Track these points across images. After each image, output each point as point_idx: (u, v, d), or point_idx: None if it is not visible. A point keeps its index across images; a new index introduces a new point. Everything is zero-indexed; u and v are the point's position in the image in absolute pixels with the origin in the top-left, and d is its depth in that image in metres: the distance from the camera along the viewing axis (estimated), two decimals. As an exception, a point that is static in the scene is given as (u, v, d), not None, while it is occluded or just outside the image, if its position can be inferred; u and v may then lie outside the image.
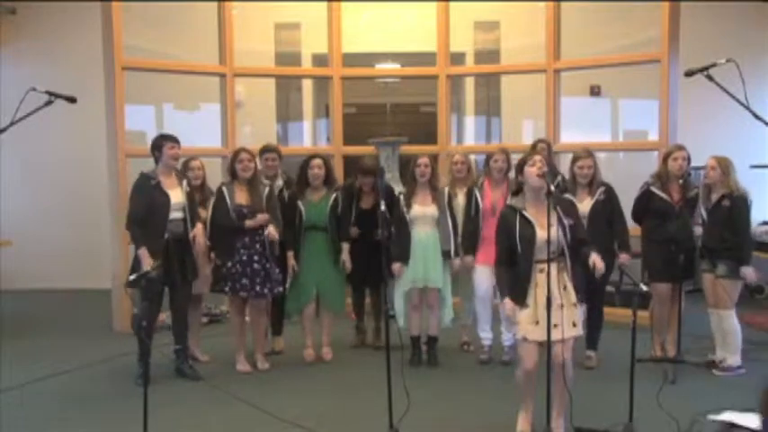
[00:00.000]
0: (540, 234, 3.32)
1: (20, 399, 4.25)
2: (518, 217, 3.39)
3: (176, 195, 4.45)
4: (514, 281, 3.40)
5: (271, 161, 5.07)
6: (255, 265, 4.57)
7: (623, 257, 4.60)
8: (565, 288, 3.36)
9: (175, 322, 4.61)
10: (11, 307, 6.79)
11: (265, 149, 5.15)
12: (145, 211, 4.36)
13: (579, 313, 3.46)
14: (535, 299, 3.34)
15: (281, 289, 4.72)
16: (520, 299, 3.38)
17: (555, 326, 3.29)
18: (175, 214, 4.43)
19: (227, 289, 4.59)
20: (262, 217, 4.57)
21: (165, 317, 5.98)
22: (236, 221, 4.54)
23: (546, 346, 3.35)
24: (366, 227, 5.00)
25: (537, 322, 3.33)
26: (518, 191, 3.55)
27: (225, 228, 4.57)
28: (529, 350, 3.41)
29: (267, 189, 4.73)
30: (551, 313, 3.25)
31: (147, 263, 4.23)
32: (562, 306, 3.31)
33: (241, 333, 4.77)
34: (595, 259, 3.32)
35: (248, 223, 4.54)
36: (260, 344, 4.84)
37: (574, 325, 3.38)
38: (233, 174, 4.67)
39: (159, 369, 4.56)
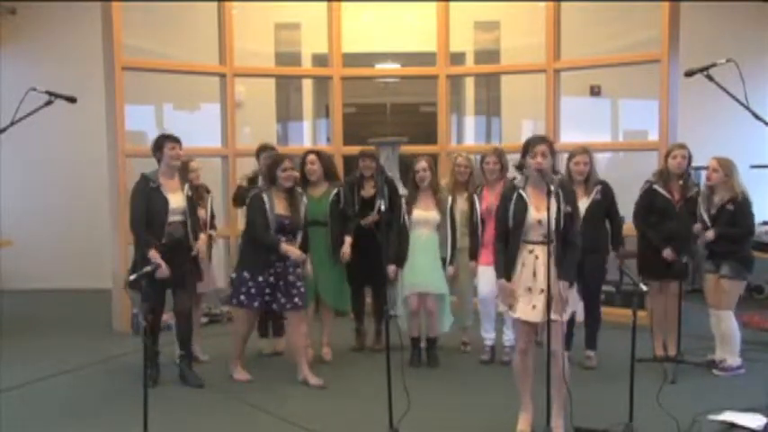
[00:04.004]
0: (533, 214, 3.36)
1: (20, 399, 4.25)
2: (515, 195, 3.43)
3: (176, 200, 4.36)
4: (509, 261, 3.43)
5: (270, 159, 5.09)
6: (290, 277, 4.39)
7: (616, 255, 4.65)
8: (551, 273, 3.32)
9: (177, 327, 4.53)
10: (11, 307, 6.79)
11: (265, 148, 5.18)
12: (144, 214, 4.29)
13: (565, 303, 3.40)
14: (519, 277, 3.39)
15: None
16: (506, 274, 3.42)
17: (533, 307, 3.34)
18: (175, 217, 4.35)
19: (256, 304, 4.36)
20: (298, 255, 4.34)
21: (167, 318, 6.01)
22: (275, 242, 4.28)
23: (539, 328, 3.43)
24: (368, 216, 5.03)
25: (517, 299, 3.39)
26: (520, 168, 3.58)
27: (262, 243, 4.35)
28: (522, 330, 3.48)
29: (303, 198, 4.56)
30: (532, 297, 3.34)
31: (161, 264, 4.15)
32: (542, 291, 3.30)
33: (243, 342, 4.59)
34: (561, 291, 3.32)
35: (283, 248, 4.27)
36: (305, 355, 4.55)
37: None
38: (272, 180, 4.43)
39: (159, 369, 4.55)
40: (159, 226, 4.29)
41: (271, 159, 4.59)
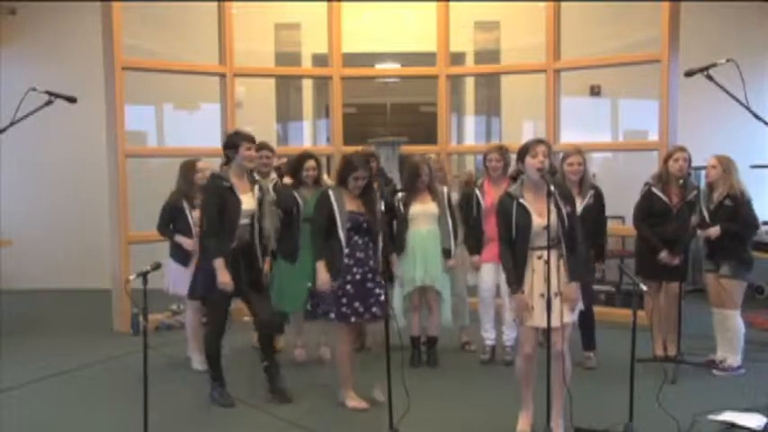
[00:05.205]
0: (537, 221, 3.33)
1: (20, 399, 4.25)
2: (515, 204, 3.40)
3: (248, 201, 4.06)
4: (518, 270, 3.40)
5: (266, 159, 5.13)
6: (369, 284, 3.96)
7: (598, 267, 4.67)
8: (561, 275, 3.34)
9: (259, 337, 4.17)
10: (11, 307, 6.79)
11: (261, 147, 5.20)
12: (217, 216, 3.96)
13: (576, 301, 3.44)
14: (531, 285, 3.37)
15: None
16: (516, 284, 3.39)
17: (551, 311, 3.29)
18: (244, 220, 4.05)
19: (332, 315, 3.92)
20: (321, 281, 3.90)
21: (164, 317, 6.01)
22: (317, 252, 3.95)
23: (544, 334, 3.38)
24: None
25: (532, 308, 3.36)
26: (516, 177, 3.57)
27: (333, 243, 3.94)
28: (527, 335, 3.45)
29: (379, 194, 4.17)
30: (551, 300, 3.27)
31: (226, 278, 3.91)
32: (557, 294, 3.31)
33: (350, 364, 4.11)
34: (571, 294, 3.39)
35: (318, 266, 3.91)
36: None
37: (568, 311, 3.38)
38: (342, 182, 4.05)
39: (159, 369, 4.55)
40: (231, 230, 3.99)
41: (344, 160, 4.19)
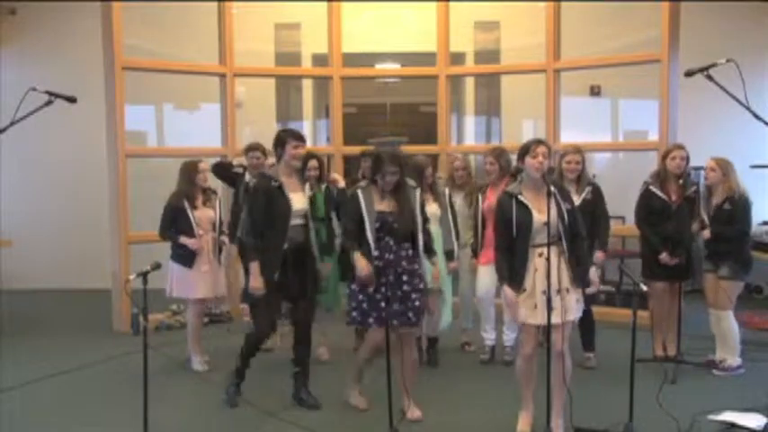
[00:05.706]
0: (537, 218, 3.33)
1: (20, 399, 4.25)
2: (514, 202, 3.40)
3: (299, 201, 3.94)
4: (513, 267, 3.40)
5: (255, 159, 5.20)
6: (405, 287, 3.76)
7: (599, 255, 4.57)
8: (563, 273, 3.35)
9: (295, 342, 4.10)
10: (11, 307, 6.79)
11: (250, 148, 5.30)
12: (262, 217, 3.86)
13: (574, 298, 3.43)
14: (533, 283, 3.36)
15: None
16: (517, 283, 3.39)
17: (553, 309, 3.30)
18: (296, 221, 3.93)
19: (371, 321, 3.76)
20: (361, 267, 3.68)
21: (164, 317, 6.01)
22: (351, 249, 3.75)
23: (544, 333, 3.39)
24: None
25: (535, 306, 3.35)
26: (515, 174, 3.57)
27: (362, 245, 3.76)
28: (528, 334, 3.45)
29: (417, 193, 3.91)
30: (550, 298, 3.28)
31: (257, 283, 3.83)
32: (559, 291, 3.32)
33: (363, 365, 4.04)
34: (592, 277, 3.47)
35: (354, 257, 3.71)
36: (411, 383, 3.87)
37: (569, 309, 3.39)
38: (373, 180, 3.88)
39: (158, 369, 4.55)
40: (281, 230, 3.87)
41: (372, 158, 4.06)
